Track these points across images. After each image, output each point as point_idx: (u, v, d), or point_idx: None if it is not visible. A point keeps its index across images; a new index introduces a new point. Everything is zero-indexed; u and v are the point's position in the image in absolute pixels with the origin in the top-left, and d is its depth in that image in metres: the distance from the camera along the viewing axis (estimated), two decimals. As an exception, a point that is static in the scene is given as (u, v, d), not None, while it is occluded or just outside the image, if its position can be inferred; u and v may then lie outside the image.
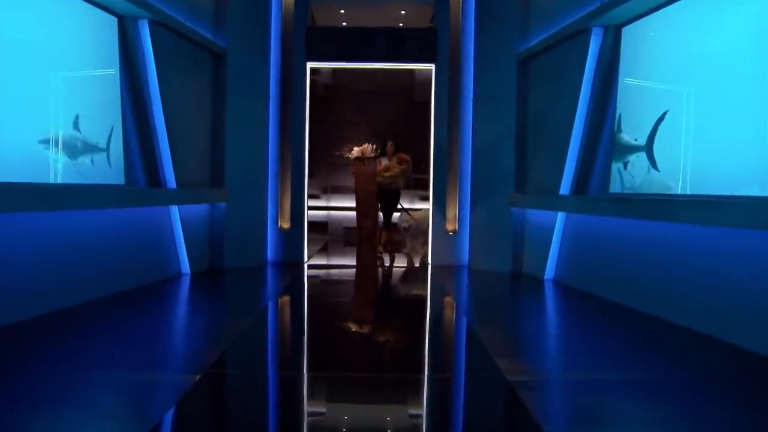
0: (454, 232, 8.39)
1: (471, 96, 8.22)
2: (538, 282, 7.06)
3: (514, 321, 5.39)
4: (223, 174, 7.66)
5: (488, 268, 7.96)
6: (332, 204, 12.18)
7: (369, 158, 10.90)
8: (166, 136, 6.41)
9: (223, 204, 7.64)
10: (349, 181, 11.61)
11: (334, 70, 12.08)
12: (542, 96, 7.44)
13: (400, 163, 9.61)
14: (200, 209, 7.37)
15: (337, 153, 11.52)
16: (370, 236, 10.87)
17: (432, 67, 8.51)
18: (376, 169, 10.58)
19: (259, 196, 8.05)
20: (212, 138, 7.67)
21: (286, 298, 6.28)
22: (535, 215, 7.52)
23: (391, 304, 6.43)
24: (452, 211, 8.39)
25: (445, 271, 7.96)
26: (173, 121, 6.57)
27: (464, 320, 5.24)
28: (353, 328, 5.16)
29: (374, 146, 10.79)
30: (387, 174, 9.63)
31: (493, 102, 7.95)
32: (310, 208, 12.19)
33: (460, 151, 8.31)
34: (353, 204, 11.16)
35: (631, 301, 5.51)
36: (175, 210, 6.79)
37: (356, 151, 10.92)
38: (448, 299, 6.37)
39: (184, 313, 5.59)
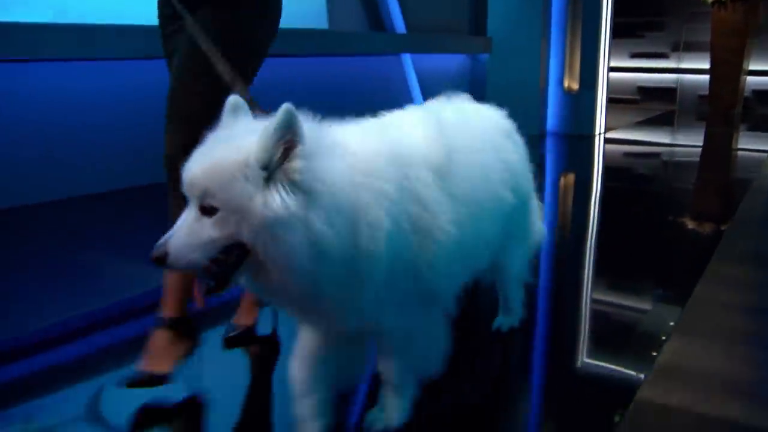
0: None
1: None
2: None
3: None
4: (485, 17, 6.02)
5: None
6: (684, 65, 9.39)
7: (735, 1, 7.99)
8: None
9: (485, 56, 6.07)
10: (709, 36, 8.81)
11: None
12: None
13: None
14: (452, 63, 5.94)
15: (691, -6, 8.64)
16: (727, 108, 8.29)
17: None
18: (743, 17, 7.75)
19: (533, 46, 6.12)
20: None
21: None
22: None
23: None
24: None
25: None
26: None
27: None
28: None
29: (744, -18, 7.89)
30: None
31: None
32: (653, 70, 9.66)
33: None
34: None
35: None
36: (408, 61, 5.51)
37: (717, -11, 8.14)
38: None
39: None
